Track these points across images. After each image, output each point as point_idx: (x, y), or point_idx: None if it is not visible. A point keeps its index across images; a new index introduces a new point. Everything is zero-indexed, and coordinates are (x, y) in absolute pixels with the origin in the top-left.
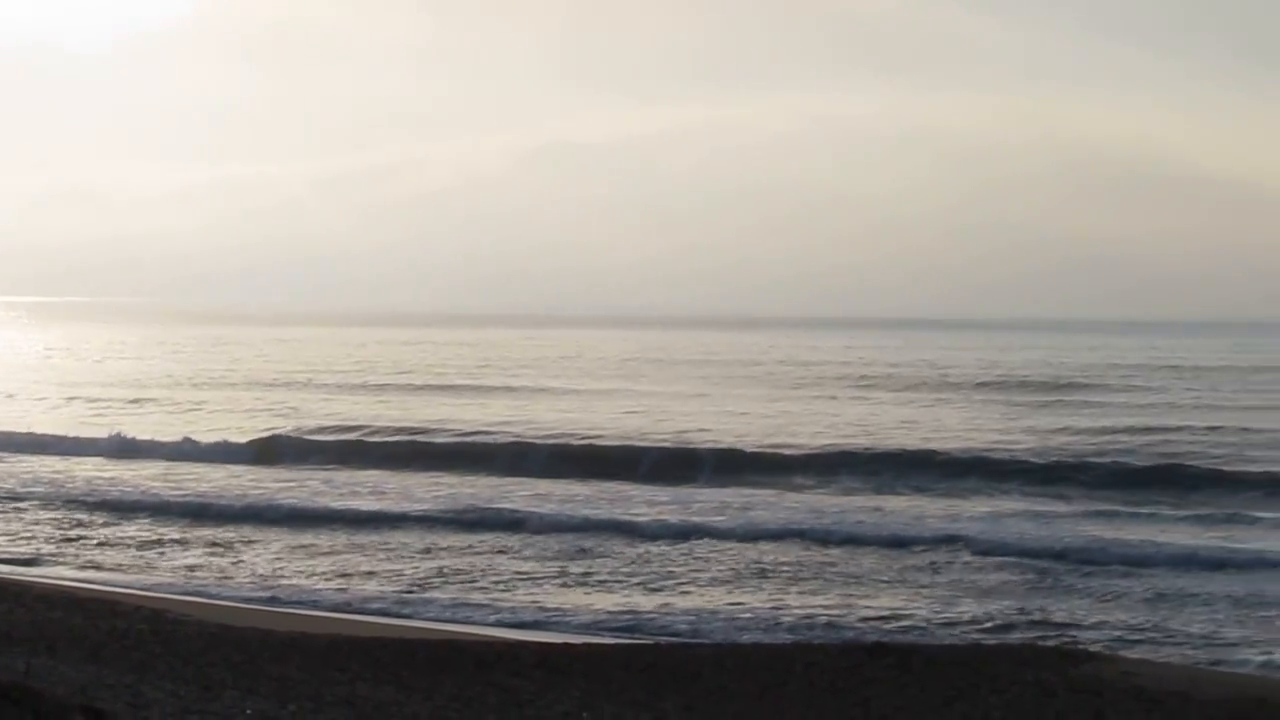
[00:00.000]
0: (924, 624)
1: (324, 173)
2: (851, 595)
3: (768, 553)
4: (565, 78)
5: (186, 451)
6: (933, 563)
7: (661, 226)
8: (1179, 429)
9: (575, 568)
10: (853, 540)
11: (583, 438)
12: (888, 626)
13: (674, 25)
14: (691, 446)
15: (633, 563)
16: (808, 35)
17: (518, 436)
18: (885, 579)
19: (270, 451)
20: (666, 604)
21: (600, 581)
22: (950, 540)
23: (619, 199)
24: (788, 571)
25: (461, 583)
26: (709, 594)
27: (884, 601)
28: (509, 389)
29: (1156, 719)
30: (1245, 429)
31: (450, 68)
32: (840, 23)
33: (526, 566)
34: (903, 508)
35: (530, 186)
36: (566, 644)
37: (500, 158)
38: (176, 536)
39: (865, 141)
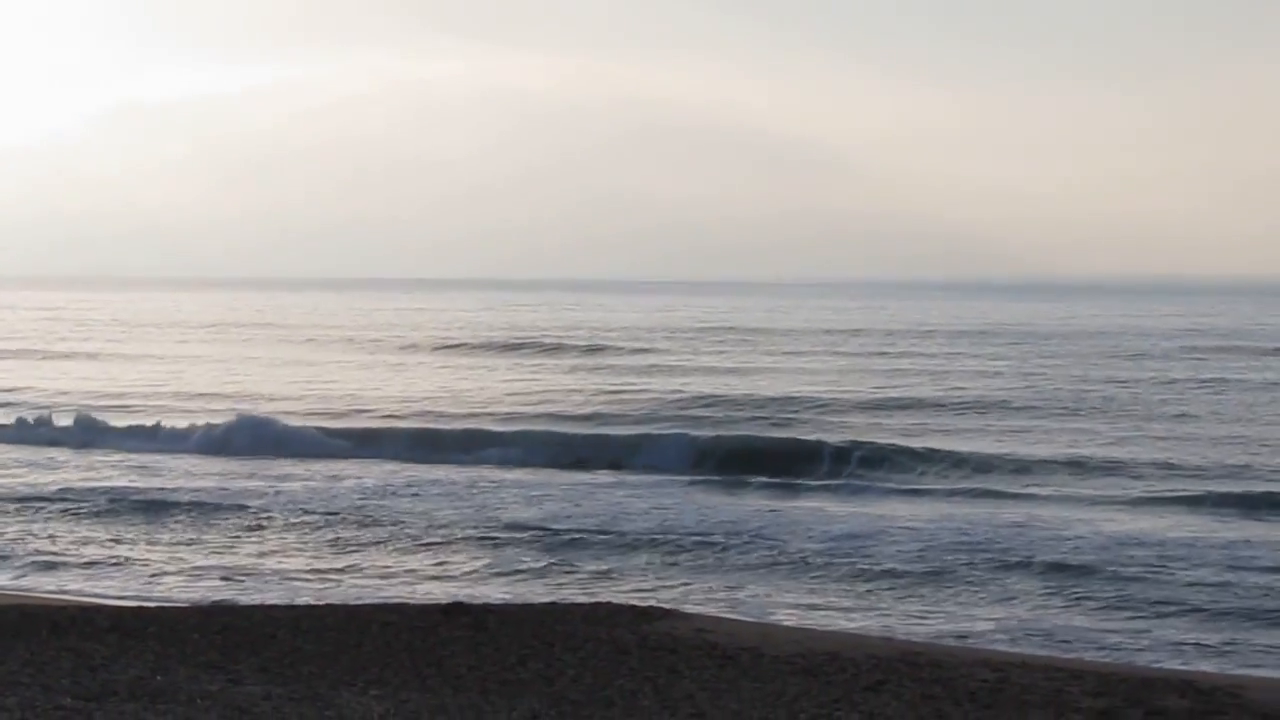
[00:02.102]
0: (490, 584)
1: None
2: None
3: (282, 521)
4: (136, 35)
5: None
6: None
7: (239, 188)
8: (735, 396)
9: (129, 535)
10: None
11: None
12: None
13: None
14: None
15: (190, 530)
16: None
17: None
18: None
19: None
20: (199, 568)
21: (155, 548)
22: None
23: (195, 160)
24: (330, 538)
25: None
26: (250, 560)
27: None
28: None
29: (730, 674)
30: (790, 395)
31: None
32: None
33: (82, 532)
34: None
35: (102, 146)
36: (141, 607)
37: (70, 117)
38: None
39: (445, 103)
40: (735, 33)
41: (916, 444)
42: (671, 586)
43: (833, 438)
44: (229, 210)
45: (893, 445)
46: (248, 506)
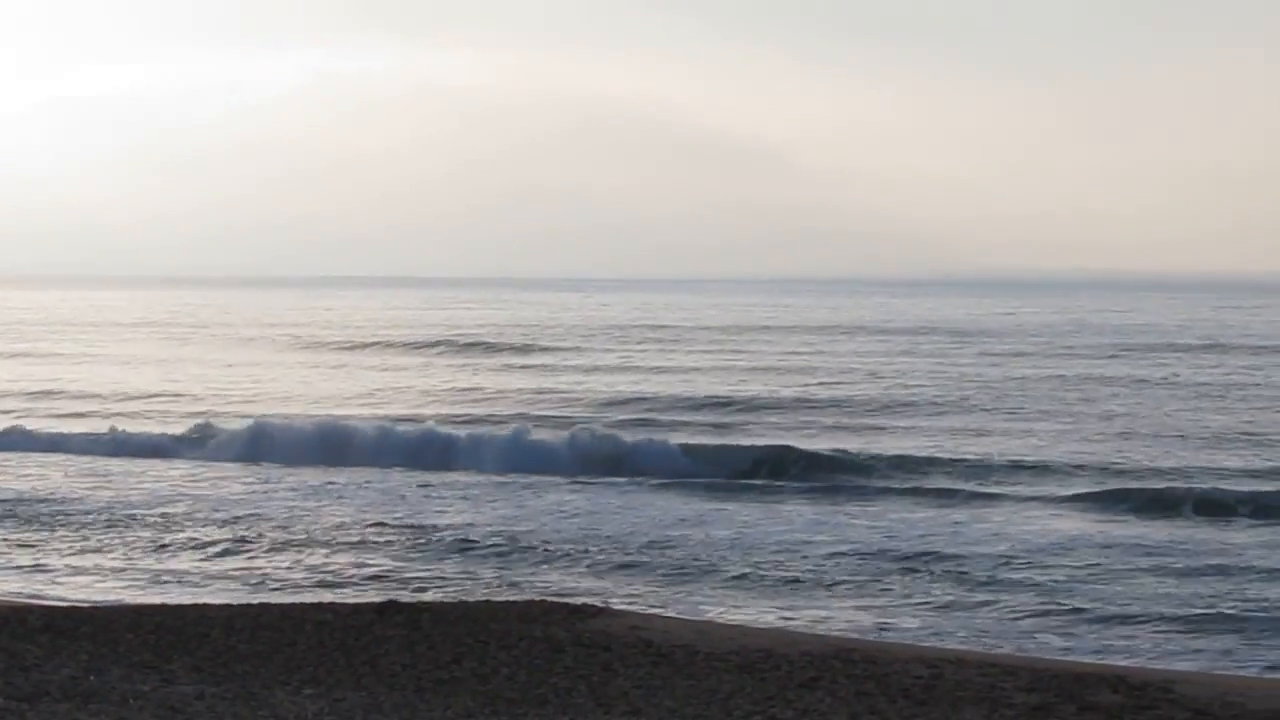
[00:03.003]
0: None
1: None
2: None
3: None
4: (68, 30)
5: None
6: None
7: (173, 184)
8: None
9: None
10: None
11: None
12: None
13: None
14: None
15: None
16: None
17: None
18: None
19: None
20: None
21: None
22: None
23: (127, 156)
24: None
25: None
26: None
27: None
28: None
29: (664, 671)
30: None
31: None
32: None
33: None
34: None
35: (35, 142)
36: (73, 607)
37: (1, 112)
38: None
39: (376, 99)
40: (672, 29)
41: (849, 444)
42: (605, 586)
43: (764, 440)
44: (165, 207)
45: (827, 448)
46: (172, 511)
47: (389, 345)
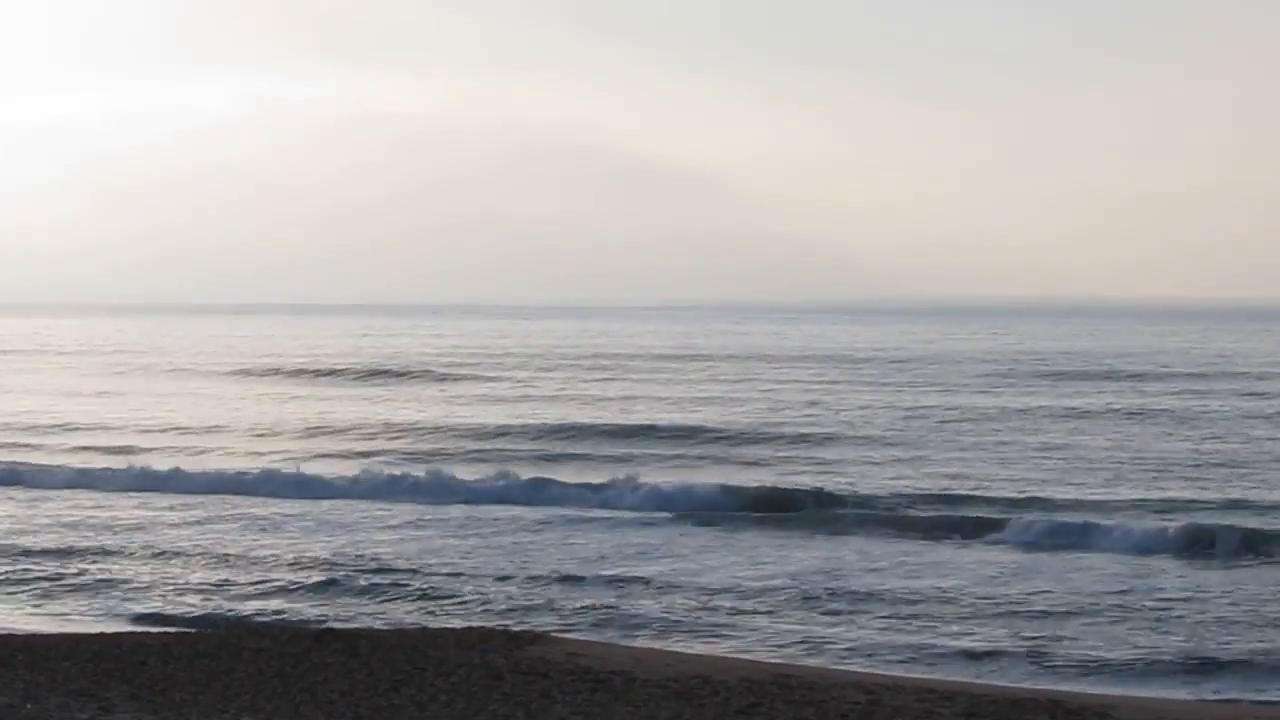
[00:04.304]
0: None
1: None
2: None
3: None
4: (1, 58)
5: None
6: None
7: (111, 211)
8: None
9: None
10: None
11: None
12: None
13: (115, 4)
14: None
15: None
16: (251, 18)
17: None
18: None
19: None
20: None
21: None
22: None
23: (62, 181)
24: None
25: None
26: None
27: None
28: None
29: (602, 698)
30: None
31: None
32: (284, 6)
33: None
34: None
35: None
36: (10, 635)
37: None
38: None
39: (314, 126)
40: (607, 57)
41: (785, 474)
42: (541, 617)
43: (699, 471)
44: (103, 234)
45: (761, 479)
46: (112, 544)
47: (324, 374)
